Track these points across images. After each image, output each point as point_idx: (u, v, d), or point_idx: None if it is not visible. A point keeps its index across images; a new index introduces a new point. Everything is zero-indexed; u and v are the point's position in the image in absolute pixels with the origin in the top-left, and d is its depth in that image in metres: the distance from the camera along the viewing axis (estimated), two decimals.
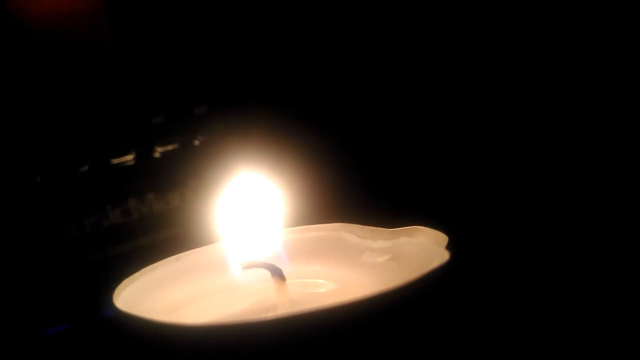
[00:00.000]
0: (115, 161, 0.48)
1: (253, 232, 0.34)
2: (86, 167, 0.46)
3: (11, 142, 0.44)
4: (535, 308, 0.38)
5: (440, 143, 0.53)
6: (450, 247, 0.29)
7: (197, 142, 0.51)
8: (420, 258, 0.31)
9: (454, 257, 0.28)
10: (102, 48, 0.48)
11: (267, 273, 0.32)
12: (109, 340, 0.37)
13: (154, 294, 0.32)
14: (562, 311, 0.37)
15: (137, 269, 0.33)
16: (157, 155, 0.49)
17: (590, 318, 0.37)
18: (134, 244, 0.48)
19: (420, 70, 0.54)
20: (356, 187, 0.53)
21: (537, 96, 0.50)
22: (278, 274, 0.31)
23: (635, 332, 0.35)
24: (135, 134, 0.48)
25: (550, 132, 0.49)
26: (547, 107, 0.50)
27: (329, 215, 0.36)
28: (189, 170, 0.50)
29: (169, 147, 0.50)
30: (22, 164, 0.44)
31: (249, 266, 0.32)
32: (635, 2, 0.46)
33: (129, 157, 0.48)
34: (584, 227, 0.45)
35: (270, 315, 0.29)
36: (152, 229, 0.49)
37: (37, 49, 0.45)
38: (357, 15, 0.55)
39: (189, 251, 0.35)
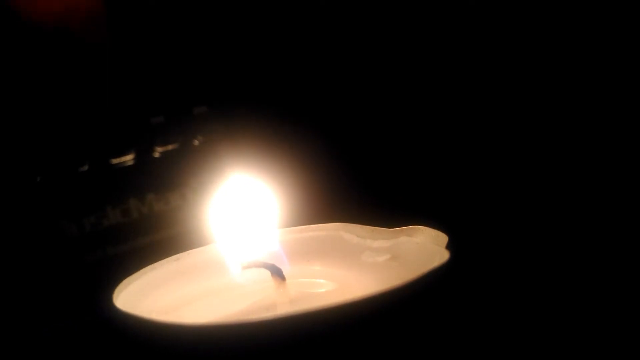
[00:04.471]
0: (115, 161, 0.48)
1: (253, 231, 0.34)
2: (86, 167, 0.46)
3: (11, 142, 0.44)
4: (535, 308, 0.38)
5: (440, 143, 0.53)
6: (450, 246, 0.29)
7: (196, 142, 0.51)
8: (420, 257, 0.31)
9: (454, 257, 0.28)
10: (102, 48, 0.48)
11: (267, 273, 0.32)
12: (109, 340, 0.37)
13: (154, 294, 0.32)
14: (562, 311, 0.37)
15: (137, 269, 0.33)
16: (156, 155, 0.49)
17: (590, 318, 0.37)
18: (133, 244, 0.48)
19: (420, 70, 0.54)
20: (356, 187, 0.53)
21: (537, 96, 0.50)
22: (278, 274, 0.31)
23: (636, 332, 0.35)
24: (135, 134, 0.48)
25: (550, 132, 0.49)
26: (547, 107, 0.50)
27: (328, 215, 0.36)
28: (189, 170, 0.50)
29: (169, 147, 0.50)
30: (22, 164, 0.44)
31: (249, 266, 0.32)
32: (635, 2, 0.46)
33: (129, 157, 0.48)
34: (583, 226, 0.45)
35: (269, 315, 0.29)
36: (152, 229, 0.49)
37: (37, 48, 0.45)
38: (356, 15, 0.55)
39: (189, 251, 0.35)
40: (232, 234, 0.33)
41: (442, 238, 0.31)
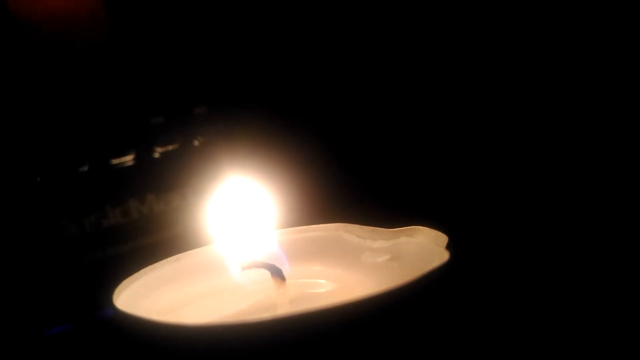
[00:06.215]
0: (115, 161, 0.48)
1: (252, 232, 0.34)
2: (86, 167, 0.46)
3: (11, 142, 0.44)
4: (535, 308, 0.38)
5: (439, 143, 0.53)
6: (450, 247, 0.29)
7: (196, 143, 0.51)
8: (420, 258, 0.31)
9: (454, 257, 0.28)
10: (102, 48, 0.48)
11: (267, 273, 0.32)
12: (109, 340, 0.37)
13: (154, 294, 0.32)
14: (562, 311, 0.37)
15: (137, 269, 0.33)
16: (156, 155, 0.49)
17: (590, 318, 0.37)
18: (133, 244, 0.48)
19: (419, 70, 0.54)
20: (356, 187, 0.53)
21: (537, 96, 0.50)
22: (278, 274, 0.31)
23: (636, 332, 0.35)
24: (135, 134, 0.48)
25: (550, 132, 0.49)
26: (546, 107, 0.50)
27: (328, 215, 0.36)
28: (189, 171, 0.50)
29: (169, 148, 0.50)
30: (22, 164, 0.44)
31: (249, 266, 0.32)
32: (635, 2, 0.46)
33: (129, 157, 0.48)
34: (583, 226, 0.45)
35: (269, 315, 0.29)
36: (152, 230, 0.49)
37: (37, 49, 0.45)
38: (355, 16, 0.55)
39: (189, 251, 0.35)
40: (232, 234, 0.33)
41: (442, 238, 0.31)
